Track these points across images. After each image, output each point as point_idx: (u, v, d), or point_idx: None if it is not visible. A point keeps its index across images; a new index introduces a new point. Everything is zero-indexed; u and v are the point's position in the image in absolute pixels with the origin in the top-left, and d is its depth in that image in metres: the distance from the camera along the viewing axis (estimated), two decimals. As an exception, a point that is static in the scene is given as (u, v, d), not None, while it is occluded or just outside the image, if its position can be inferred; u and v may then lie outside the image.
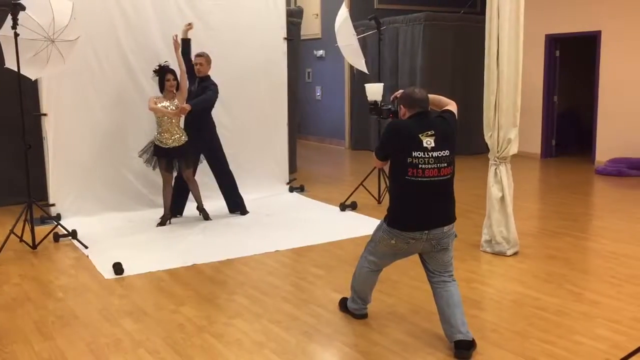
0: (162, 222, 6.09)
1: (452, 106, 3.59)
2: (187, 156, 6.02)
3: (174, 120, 5.90)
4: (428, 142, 3.26)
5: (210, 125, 6.30)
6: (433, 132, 3.29)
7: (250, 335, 3.61)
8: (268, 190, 7.39)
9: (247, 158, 7.15)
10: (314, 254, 5.22)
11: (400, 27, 10.61)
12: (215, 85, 6.21)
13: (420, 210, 3.32)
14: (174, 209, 6.26)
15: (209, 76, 6.24)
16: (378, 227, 3.58)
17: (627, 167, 8.70)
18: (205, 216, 6.27)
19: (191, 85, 6.18)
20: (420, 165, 3.25)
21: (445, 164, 3.29)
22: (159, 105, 5.84)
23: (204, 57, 6.21)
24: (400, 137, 3.32)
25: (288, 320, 3.82)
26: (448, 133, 3.36)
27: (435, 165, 3.26)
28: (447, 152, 3.30)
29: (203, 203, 6.28)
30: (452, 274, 3.50)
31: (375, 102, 4.41)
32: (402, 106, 3.43)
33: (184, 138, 5.96)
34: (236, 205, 6.55)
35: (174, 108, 5.87)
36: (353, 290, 3.80)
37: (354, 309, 3.81)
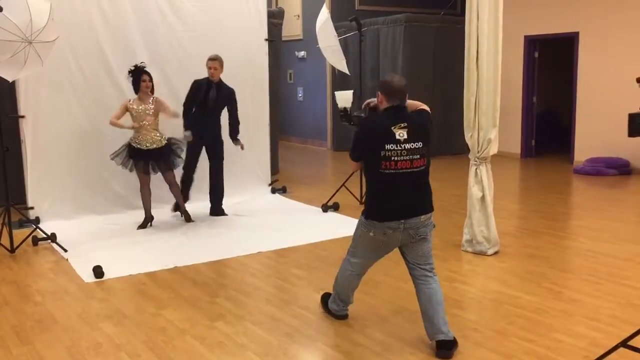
0: (143, 224, 6.04)
1: (425, 107, 3.64)
2: (168, 158, 5.95)
3: (150, 123, 5.78)
4: (401, 134, 3.29)
5: (214, 125, 6.36)
6: (406, 125, 3.32)
7: (232, 337, 3.60)
8: (250, 191, 7.38)
9: (228, 159, 7.10)
10: (296, 255, 5.21)
11: (381, 28, 10.65)
12: (234, 93, 6.31)
13: (395, 200, 3.35)
14: (184, 194, 6.35)
15: (221, 80, 6.22)
16: (357, 225, 3.59)
17: (605, 167, 8.83)
18: (187, 218, 6.22)
19: (199, 93, 6.14)
20: (393, 158, 3.29)
21: (418, 156, 3.32)
22: (133, 107, 5.75)
23: (218, 61, 6.14)
24: (373, 132, 3.39)
25: (270, 322, 3.81)
26: (422, 126, 3.40)
27: (408, 157, 3.30)
28: (419, 144, 3.32)
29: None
30: (433, 267, 3.51)
31: (345, 108, 4.42)
32: (379, 93, 3.43)
33: (164, 140, 5.89)
34: (220, 210, 6.55)
35: (149, 111, 5.78)
36: (335, 292, 3.81)
37: (334, 309, 3.82)
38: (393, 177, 3.31)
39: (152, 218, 6.10)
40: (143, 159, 5.84)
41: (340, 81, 11.19)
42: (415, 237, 3.39)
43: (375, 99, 3.53)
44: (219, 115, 6.35)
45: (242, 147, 6.40)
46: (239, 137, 6.41)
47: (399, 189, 3.34)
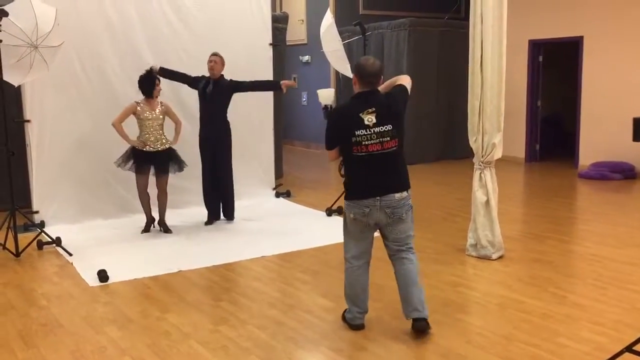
0: (146, 228, 6.05)
1: (403, 80, 3.72)
2: (169, 163, 5.91)
3: (159, 124, 5.80)
4: (369, 119, 3.43)
5: (222, 122, 6.31)
6: (374, 109, 3.44)
7: (236, 341, 3.60)
8: (254, 195, 7.38)
9: (233, 164, 7.12)
10: (300, 260, 5.21)
11: (385, 32, 10.66)
12: (232, 81, 6.24)
13: (368, 179, 3.49)
14: (215, 214, 6.36)
15: (223, 76, 6.18)
16: (343, 217, 3.71)
17: (609, 171, 8.80)
18: (166, 229, 6.05)
19: (197, 83, 6.13)
20: (363, 142, 3.44)
21: (388, 138, 3.45)
22: (142, 112, 5.74)
23: (218, 57, 6.14)
24: (342, 119, 3.54)
25: (274, 326, 3.81)
26: (392, 107, 3.50)
27: (377, 140, 3.43)
28: (389, 127, 3.45)
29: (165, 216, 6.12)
30: (411, 247, 3.64)
31: (326, 106, 4.54)
32: (354, 74, 3.53)
33: (168, 144, 5.89)
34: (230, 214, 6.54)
35: (158, 117, 5.78)
36: (347, 300, 3.77)
37: (349, 319, 3.77)
38: (365, 158, 3.46)
39: (153, 220, 6.10)
40: (147, 161, 5.82)
41: (344, 86, 11.22)
42: (393, 217, 3.51)
43: None
44: (224, 115, 6.27)
45: (287, 86, 6.40)
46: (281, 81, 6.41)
47: (372, 169, 3.48)
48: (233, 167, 6.53)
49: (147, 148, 5.78)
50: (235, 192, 6.64)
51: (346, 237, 3.72)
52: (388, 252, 3.69)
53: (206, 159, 6.29)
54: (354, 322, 3.74)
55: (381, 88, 3.67)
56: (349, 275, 3.72)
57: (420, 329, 3.53)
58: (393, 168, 3.52)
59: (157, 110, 5.83)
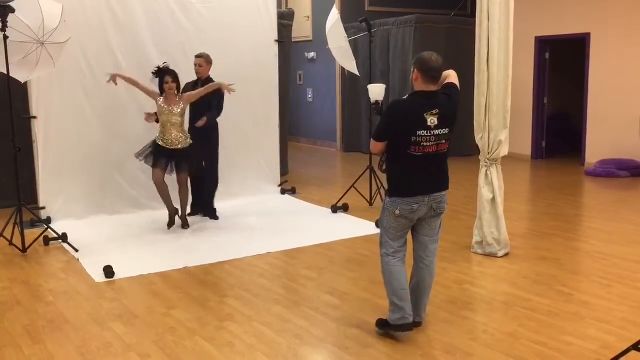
0: (171, 221, 5.97)
1: (453, 78, 3.62)
2: (189, 160, 5.90)
3: (177, 122, 5.74)
4: (432, 120, 3.35)
5: (217, 131, 6.24)
6: (438, 111, 3.37)
7: (241, 338, 3.60)
8: (259, 192, 7.39)
9: (238, 160, 7.14)
10: (306, 256, 5.21)
11: (391, 29, 10.64)
12: (220, 89, 5.96)
13: (419, 178, 3.45)
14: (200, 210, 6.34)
15: (210, 77, 6.11)
16: (381, 215, 3.60)
17: (616, 168, 8.76)
18: (185, 225, 6.03)
19: (187, 89, 6.08)
20: (422, 143, 3.37)
21: (444, 140, 3.43)
22: (161, 105, 5.70)
23: (204, 58, 6.06)
24: (404, 119, 3.39)
25: (280, 323, 3.82)
26: (452, 112, 3.46)
27: (435, 142, 3.39)
28: (446, 130, 3.41)
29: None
30: (436, 252, 3.69)
31: (377, 102, 4.46)
32: (416, 69, 3.42)
33: (189, 141, 5.84)
34: (210, 213, 6.46)
35: (176, 113, 5.72)
36: (393, 298, 3.52)
37: (396, 320, 3.50)
38: (418, 157, 3.40)
39: (176, 211, 6.01)
40: (166, 157, 5.79)
41: (349, 82, 11.22)
42: (436, 211, 3.52)
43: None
44: (214, 124, 6.18)
45: (196, 125, 5.99)
46: (199, 122, 5.96)
47: (424, 168, 3.44)
48: (238, 164, 6.53)
49: (164, 144, 5.74)
50: (241, 189, 6.62)
51: (385, 234, 3.58)
52: (415, 248, 3.65)
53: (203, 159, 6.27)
54: (405, 322, 3.49)
55: None
56: (390, 272, 3.53)
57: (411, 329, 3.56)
58: (442, 168, 3.53)
59: (176, 108, 5.75)
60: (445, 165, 3.56)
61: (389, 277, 3.56)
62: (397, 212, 3.46)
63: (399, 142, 3.41)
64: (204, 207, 6.45)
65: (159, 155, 5.80)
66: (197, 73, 6.08)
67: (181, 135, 5.81)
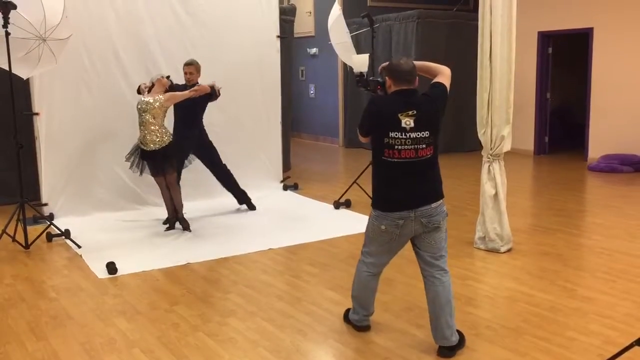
0: (170, 225, 5.88)
1: (443, 76, 3.39)
2: (171, 158, 5.69)
3: (154, 121, 5.51)
4: (407, 122, 3.12)
5: (200, 123, 6.19)
6: (414, 112, 3.13)
7: (244, 333, 3.61)
8: (262, 188, 7.38)
9: (240, 156, 7.13)
10: (308, 252, 5.21)
11: (393, 24, 10.61)
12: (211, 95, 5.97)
13: (400, 189, 3.19)
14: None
15: (198, 83, 5.99)
16: (368, 222, 3.42)
17: (619, 163, 8.75)
18: (185, 226, 5.82)
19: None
20: (396, 147, 3.13)
21: (424, 145, 3.16)
22: (140, 99, 5.58)
23: (194, 66, 5.99)
24: (378, 116, 3.20)
25: (282, 319, 3.82)
26: (431, 113, 3.20)
27: (412, 147, 3.13)
28: (426, 134, 3.15)
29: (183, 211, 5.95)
30: (445, 263, 3.32)
31: (361, 73, 4.23)
32: (387, 77, 3.26)
33: (167, 139, 5.60)
34: (243, 199, 6.60)
35: (153, 105, 5.50)
36: (354, 300, 3.61)
37: (355, 320, 3.64)
38: (396, 165, 3.17)
39: (173, 216, 5.88)
40: (150, 159, 5.67)
41: (351, 78, 11.18)
42: (429, 226, 3.21)
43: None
44: (199, 120, 6.16)
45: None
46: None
47: (403, 178, 3.18)
48: (241, 159, 6.53)
49: (143, 146, 5.59)
50: (242, 184, 6.64)
51: (372, 246, 3.40)
52: (420, 264, 3.36)
53: (186, 158, 6.16)
54: (361, 324, 3.62)
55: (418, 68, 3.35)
56: (362, 280, 3.50)
57: (443, 356, 3.29)
58: (426, 177, 3.22)
59: (152, 100, 5.51)
60: (433, 173, 3.25)
61: (357, 281, 3.55)
62: (383, 227, 3.24)
63: (375, 144, 3.21)
64: (243, 197, 6.62)
65: (143, 160, 5.67)
66: (187, 81, 5.99)
67: (159, 134, 5.55)
